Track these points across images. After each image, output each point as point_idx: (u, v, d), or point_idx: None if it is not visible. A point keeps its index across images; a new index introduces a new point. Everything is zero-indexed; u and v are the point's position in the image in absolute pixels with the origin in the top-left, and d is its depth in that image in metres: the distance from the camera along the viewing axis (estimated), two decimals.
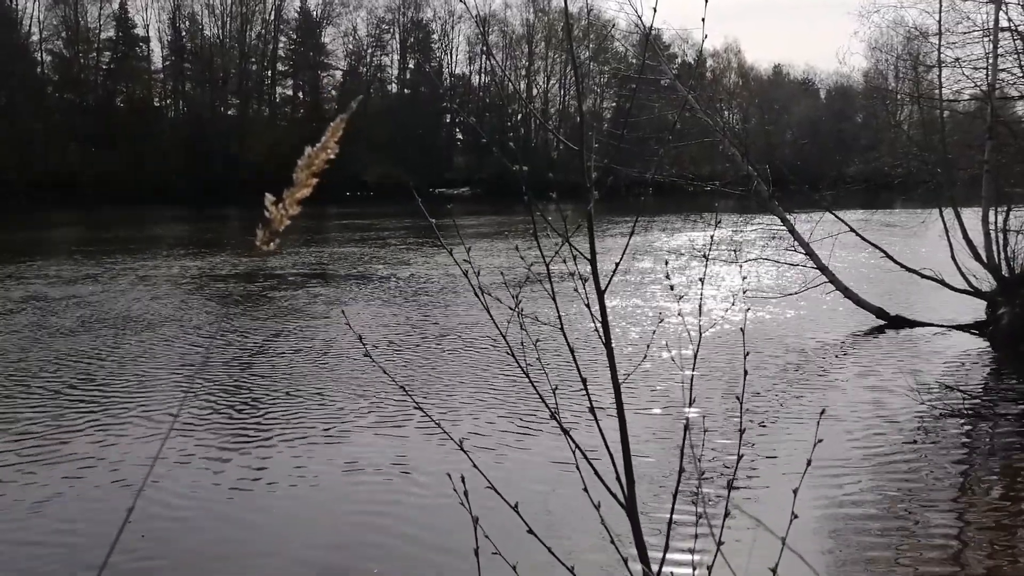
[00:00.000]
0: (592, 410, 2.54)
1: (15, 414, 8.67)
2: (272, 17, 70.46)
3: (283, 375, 10.33)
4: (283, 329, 13.33)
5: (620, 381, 2.53)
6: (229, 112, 68.82)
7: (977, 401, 9.16)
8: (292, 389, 9.64)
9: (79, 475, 6.89)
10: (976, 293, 13.04)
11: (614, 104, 68.87)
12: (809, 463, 2.45)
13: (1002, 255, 12.80)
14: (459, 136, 77.73)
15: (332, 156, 1.32)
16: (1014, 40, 13.44)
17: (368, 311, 15.09)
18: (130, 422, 8.33)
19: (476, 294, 2.59)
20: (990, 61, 13.47)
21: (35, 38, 62.98)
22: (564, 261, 2.63)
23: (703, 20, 3.27)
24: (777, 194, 14.25)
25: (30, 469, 7.03)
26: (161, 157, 58.85)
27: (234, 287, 18.24)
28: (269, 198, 1.27)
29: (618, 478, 2.47)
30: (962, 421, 8.42)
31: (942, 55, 13.86)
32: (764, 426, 8.11)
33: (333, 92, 74.59)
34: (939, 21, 13.68)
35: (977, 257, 13.02)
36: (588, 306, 2.55)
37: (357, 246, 27.27)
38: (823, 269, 13.89)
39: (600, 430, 2.51)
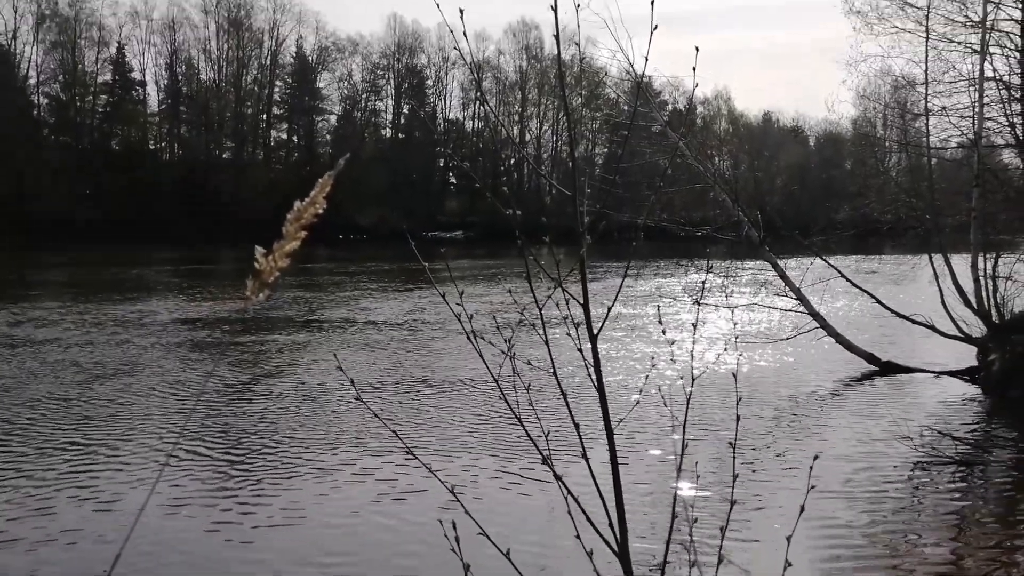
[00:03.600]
0: (585, 455, 2.53)
1: None
2: (268, 62, 71.29)
3: (272, 419, 10.25)
4: (272, 373, 13.27)
5: (613, 426, 2.53)
6: (224, 155, 69.26)
7: (969, 447, 9.14)
8: (282, 433, 9.56)
9: (66, 521, 6.79)
10: (967, 339, 13.08)
11: (606, 150, 69.63)
12: (802, 509, 2.44)
13: (992, 301, 12.87)
14: (452, 180, 78.33)
15: (320, 211, 1.34)
16: (999, 90, 13.68)
17: (360, 355, 15.04)
18: (118, 468, 8.23)
19: (469, 338, 2.59)
20: (976, 110, 13.67)
21: (32, 81, 63.59)
22: (557, 305, 2.64)
23: (694, 69, 3.33)
24: (768, 239, 14.34)
25: (16, 514, 6.92)
26: (155, 199, 59.05)
27: (223, 331, 18.18)
28: (259, 250, 1.29)
29: (611, 524, 2.45)
30: (954, 468, 8.39)
31: (929, 104, 14.08)
32: (757, 472, 8.06)
33: (328, 136, 75.24)
34: (925, 71, 13.92)
35: (967, 303, 13.08)
36: (580, 350, 2.56)
37: (348, 289, 27.26)
38: (814, 314, 13.93)
39: (593, 475, 2.51)
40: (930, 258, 13.66)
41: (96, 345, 15.58)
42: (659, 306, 20.46)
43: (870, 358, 13.77)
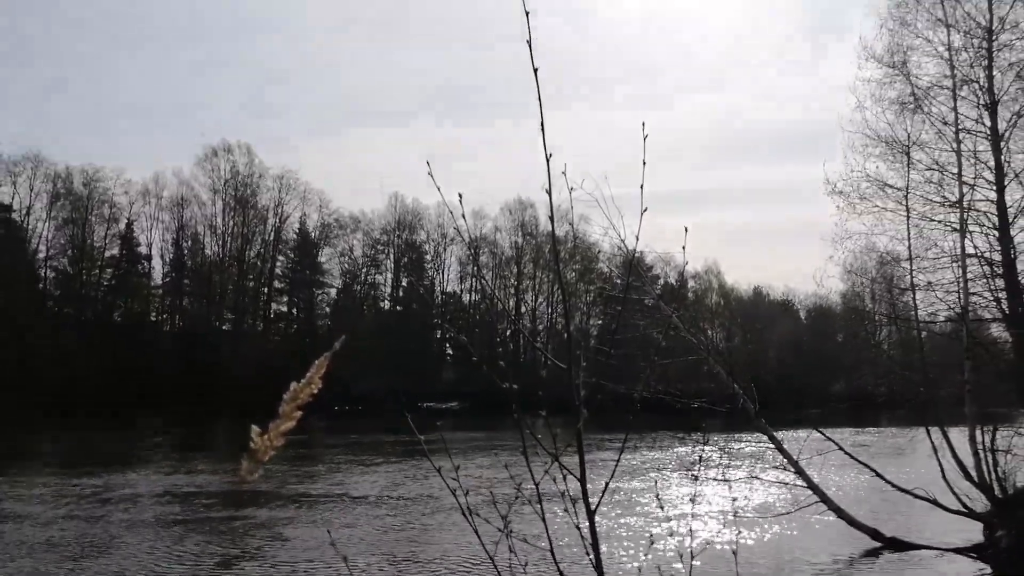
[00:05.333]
0: None
1: None
2: (272, 238, 73.29)
3: None
4: (263, 551, 12.86)
5: None
6: (224, 327, 69.89)
7: None
8: None
9: None
10: (971, 514, 12.78)
11: (600, 321, 70.49)
12: None
13: (993, 475, 12.68)
14: (449, 351, 78.66)
15: (316, 391, 1.39)
16: (982, 266, 14.05)
17: (353, 531, 14.61)
18: None
19: (464, 515, 2.58)
20: (961, 285, 13.98)
21: (41, 255, 65.11)
22: (554, 480, 2.64)
23: (684, 248, 3.49)
24: (763, 412, 14.28)
25: None
26: (155, 369, 59.19)
27: (207, 505, 17.72)
28: (255, 430, 1.33)
29: None
30: None
31: (915, 279, 14.40)
32: None
33: (327, 308, 76.22)
34: (909, 247, 14.32)
35: (968, 477, 12.87)
36: (578, 527, 2.54)
37: (343, 463, 26.79)
38: (814, 488, 13.66)
39: None
40: (927, 431, 13.56)
41: (75, 520, 15.15)
42: (656, 480, 20.11)
43: (874, 534, 13.39)
